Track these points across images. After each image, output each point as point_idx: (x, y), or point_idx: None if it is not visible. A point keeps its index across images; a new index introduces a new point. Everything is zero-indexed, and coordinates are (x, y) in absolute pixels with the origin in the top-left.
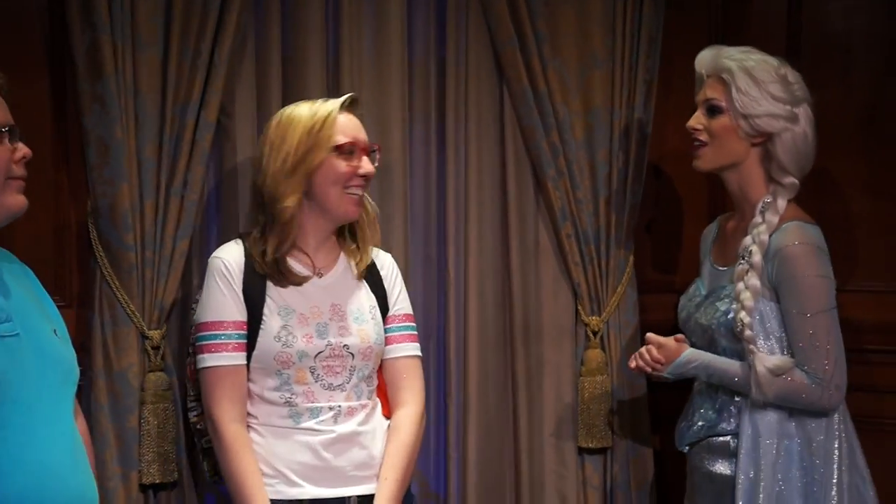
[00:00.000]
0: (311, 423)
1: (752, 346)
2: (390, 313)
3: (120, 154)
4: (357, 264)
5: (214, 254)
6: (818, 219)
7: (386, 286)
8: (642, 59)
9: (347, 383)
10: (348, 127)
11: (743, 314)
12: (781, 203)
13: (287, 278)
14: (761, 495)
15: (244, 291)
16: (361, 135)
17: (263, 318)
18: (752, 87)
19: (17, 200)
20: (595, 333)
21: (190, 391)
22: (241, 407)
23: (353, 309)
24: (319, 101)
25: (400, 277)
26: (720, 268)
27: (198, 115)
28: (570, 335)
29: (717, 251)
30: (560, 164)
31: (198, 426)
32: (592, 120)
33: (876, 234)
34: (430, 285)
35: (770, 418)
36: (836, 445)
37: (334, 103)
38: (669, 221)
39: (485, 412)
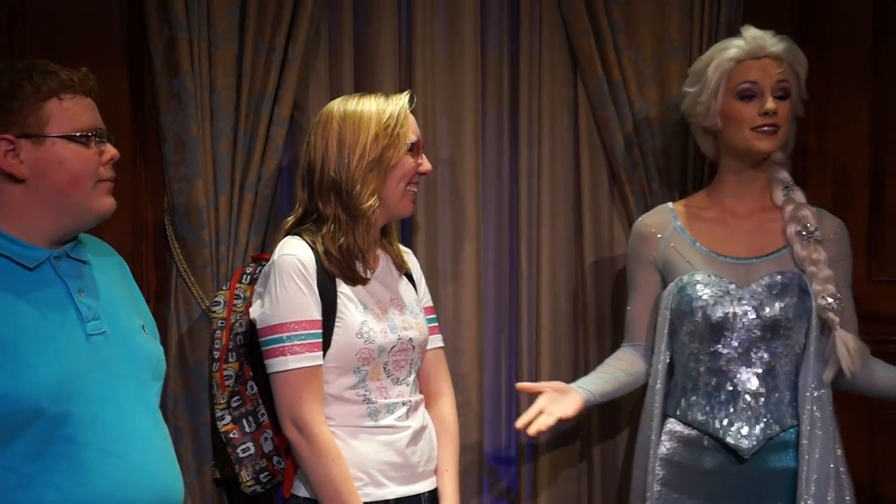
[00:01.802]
0: (389, 420)
1: (836, 320)
2: (420, 305)
3: (195, 150)
4: (395, 258)
5: (283, 251)
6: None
7: (415, 278)
8: None
9: (409, 377)
10: (414, 125)
11: (830, 287)
12: (788, 176)
13: (356, 274)
14: (816, 478)
15: (318, 289)
16: (419, 133)
17: (340, 315)
18: (803, 72)
19: (105, 203)
20: None
21: (219, 399)
22: (323, 409)
23: (407, 302)
24: (376, 96)
25: (420, 271)
26: (749, 259)
27: (272, 111)
28: None
29: (712, 241)
30: (635, 156)
31: (230, 435)
32: (669, 110)
33: None
34: (503, 278)
35: (825, 405)
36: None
37: (402, 100)
38: None
39: None
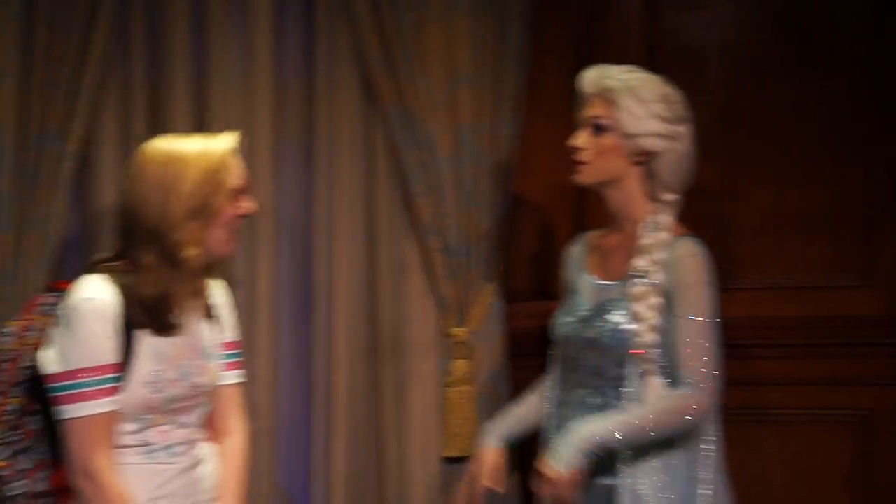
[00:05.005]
0: (162, 457)
1: (651, 367)
2: (221, 340)
3: None
4: (202, 299)
5: (83, 293)
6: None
7: (221, 315)
8: (508, 74)
9: (196, 418)
10: (239, 168)
11: (650, 336)
12: (667, 220)
13: (167, 324)
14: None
15: (118, 333)
16: (245, 175)
17: (134, 362)
18: (638, 106)
19: None
20: (461, 344)
21: None
22: (113, 454)
23: (205, 346)
24: (198, 138)
25: (230, 304)
26: (605, 282)
27: (60, 145)
28: (437, 347)
29: (597, 267)
30: (429, 180)
31: (3, 473)
32: (460, 135)
33: (738, 233)
34: (297, 304)
35: None
36: (710, 449)
37: (224, 143)
38: (536, 231)
39: (352, 426)
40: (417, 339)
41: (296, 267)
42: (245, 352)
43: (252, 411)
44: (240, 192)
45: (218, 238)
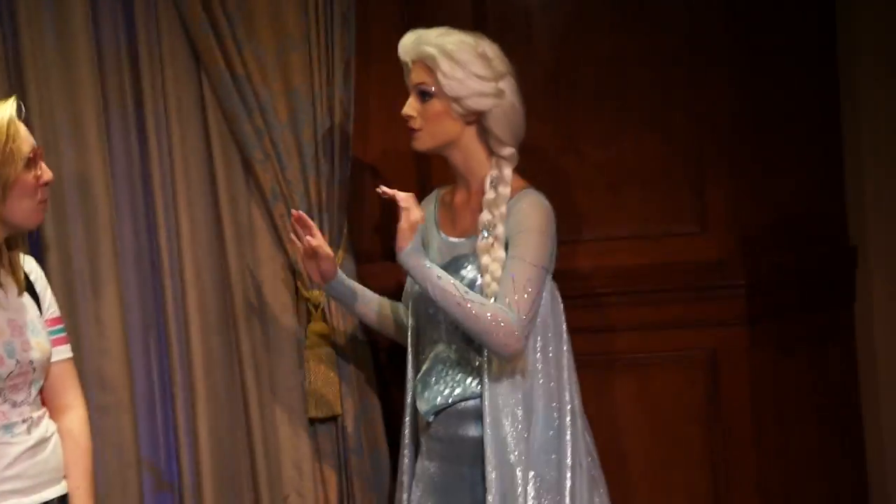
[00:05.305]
0: (6, 438)
1: None
2: (43, 318)
3: None
4: (14, 273)
5: None
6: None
7: (38, 291)
8: (338, 37)
9: (30, 396)
10: (27, 134)
11: (494, 285)
12: (508, 173)
13: None
14: (511, 453)
15: None
16: (34, 141)
17: None
18: (456, 69)
19: None
20: (316, 307)
21: None
22: None
23: (27, 322)
24: None
25: (45, 279)
26: (454, 239)
27: None
28: (292, 311)
29: (446, 224)
30: (266, 146)
31: None
32: (294, 100)
33: (577, 189)
34: (144, 277)
35: (509, 377)
36: (569, 398)
37: (8, 110)
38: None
39: (213, 395)
40: (272, 304)
41: (139, 239)
42: (92, 326)
43: (104, 385)
44: (33, 160)
45: (22, 209)
